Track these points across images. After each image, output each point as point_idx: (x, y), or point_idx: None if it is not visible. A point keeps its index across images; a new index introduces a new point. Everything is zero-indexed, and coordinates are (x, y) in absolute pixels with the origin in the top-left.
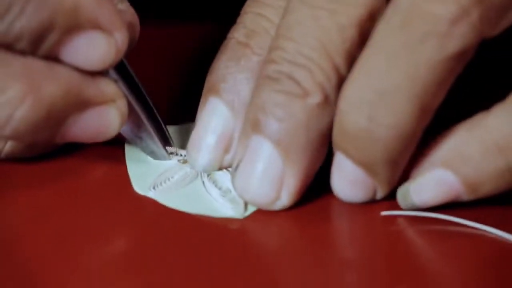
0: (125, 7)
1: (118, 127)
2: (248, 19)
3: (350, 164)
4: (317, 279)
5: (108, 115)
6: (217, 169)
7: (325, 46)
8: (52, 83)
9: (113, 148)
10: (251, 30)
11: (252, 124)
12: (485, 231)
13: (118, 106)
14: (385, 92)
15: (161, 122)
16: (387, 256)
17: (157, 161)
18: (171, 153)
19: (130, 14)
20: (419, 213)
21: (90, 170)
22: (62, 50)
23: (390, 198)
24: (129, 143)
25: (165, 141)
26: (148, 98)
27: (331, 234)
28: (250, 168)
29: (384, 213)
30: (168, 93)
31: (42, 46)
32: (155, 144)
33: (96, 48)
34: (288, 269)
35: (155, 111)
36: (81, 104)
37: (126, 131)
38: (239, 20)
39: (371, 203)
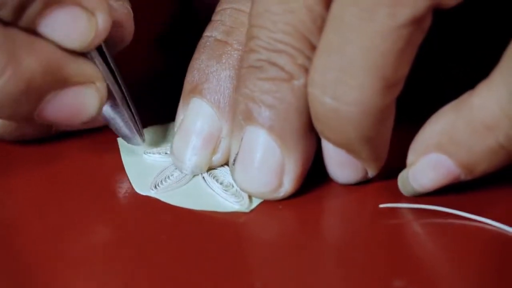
0: (118, 5)
1: (96, 109)
2: (226, 16)
3: (332, 147)
4: (320, 272)
5: (86, 96)
6: (205, 171)
7: (297, 29)
8: (33, 57)
9: (110, 146)
10: (229, 26)
11: (244, 116)
12: (485, 223)
13: (97, 88)
14: (344, 68)
15: (133, 110)
16: (387, 249)
17: (154, 160)
18: (149, 153)
19: (122, 13)
20: (418, 206)
21: (91, 169)
22: (43, 23)
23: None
24: (123, 145)
25: (138, 127)
26: (123, 86)
27: (333, 227)
28: (249, 159)
29: (382, 205)
30: (142, 94)
31: (23, 15)
32: (129, 128)
33: (76, 24)
34: (293, 261)
35: (129, 99)
36: (61, 81)
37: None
38: (215, 17)
39: (372, 195)
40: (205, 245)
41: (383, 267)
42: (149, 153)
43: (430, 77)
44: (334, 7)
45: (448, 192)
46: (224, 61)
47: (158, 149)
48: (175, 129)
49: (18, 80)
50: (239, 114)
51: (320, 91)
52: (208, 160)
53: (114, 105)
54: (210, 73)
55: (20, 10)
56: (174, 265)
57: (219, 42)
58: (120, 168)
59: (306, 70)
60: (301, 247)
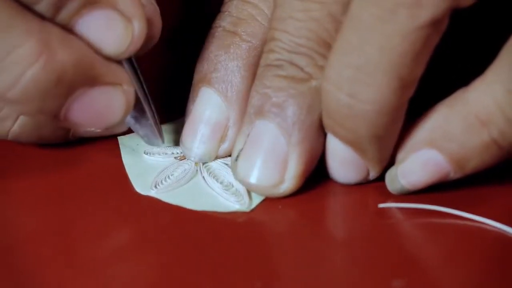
0: (146, 2)
1: (122, 113)
2: (233, 7)
3: (339, 144)
4: (320, 272)
5: (113, 97)
6: (213, 159)
7: (320, 35)
8: (67, 49)
9: (111, 149)
10: (237, 17)
11: (255, 110)
12: (484, 223)
13: (124, 90)
14: (361, 66)
15: (155, 111)
16: (386, 249)
17: (154, 160)
18: (149, 153)
19: (150, 9)
20: (417, 206)
21: (91, 170)
22: (79, 22)
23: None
24: (123, 144)
25: (159, 128)
26: (146, 88)
27: (333, 227)
28: (254, 151)
29: (382, 205)
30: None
31: (61, 12)
32: (152, 130)
33: (112, 29)
34: (293, 261)
35: (151, 101)
36: (90, 79)
37: None
38: (223, 8)
39: (371, 195)
40: (206, 244)
41: (382, 267)
42: (149, 153)
43: (422, 76)
44: (353, 7)
45: (448, 192)
46: (232, 51)
47: (158, 149)
48: (185, 118)
49: (51, 70)
50: (251, 108)
51: (336, 88)
52: (216, 149)
53: (139, 108)
54: (218, 63)
55: (57, 6)
56: (175, 265)
57: (228, 33)
58: (120, 168)
59: None
60: (301, 247)
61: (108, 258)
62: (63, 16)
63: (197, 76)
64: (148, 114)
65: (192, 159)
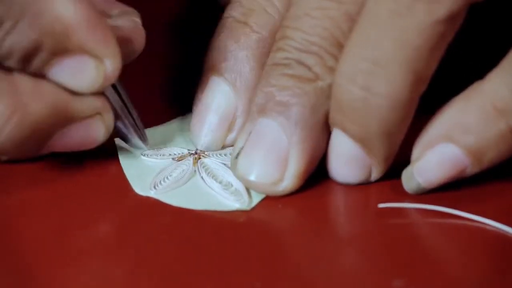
0: (123, 22)
1: (103, 137)
2: None
3: (346, 141)
4: (319, 272)
5: (93, 129)
6: (220, 148)
7: (334, 35)
8: (39, 101)
9: (108, 151)
10: (248, 8)
11: (258, 108)
12: (485, 223)
13: (104, 119)
14: (377, 60)
15: (136, 117)
16: (386, 248)
17: (152, 161)
18: (146, 155)
19: (129, 29)
20: (417, 205)
21: (89, 172)
22: (50, 71)
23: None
24: (121, 146)
25: (140, 132)
26: (125, 97)
27: (333, 226)
28: (255, 149)
29: (382, 205)
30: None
31: (30, 65)
32: (131, 135)
33: (83, 72)
34: (293, 261)
35: (130, 108)
36: (67, 120)
37: None
38: None
39: (371, 195)
40: (205, 244)
41: (382, 267)
42: (146, 154)
43: (436, 75)
44: (370, 1)
45: (448, 192)
46: (242, 41)
47: (155, 151)
48: (193, 106)
49: (25, 126)
50: (254, 106)
51: (350, 81)
52: (224, 137)
53: (119, 120)
54: (228, 52)
55: (26, 60)
56: (175, 265)
57: (238, 23)
58: (118, 169)
59: (333, 72)
60: (300, 246)
61: (109, 258)
62: (33, 68)
63: (206, 65)
64: (129, 124)
65: (199, 147)
